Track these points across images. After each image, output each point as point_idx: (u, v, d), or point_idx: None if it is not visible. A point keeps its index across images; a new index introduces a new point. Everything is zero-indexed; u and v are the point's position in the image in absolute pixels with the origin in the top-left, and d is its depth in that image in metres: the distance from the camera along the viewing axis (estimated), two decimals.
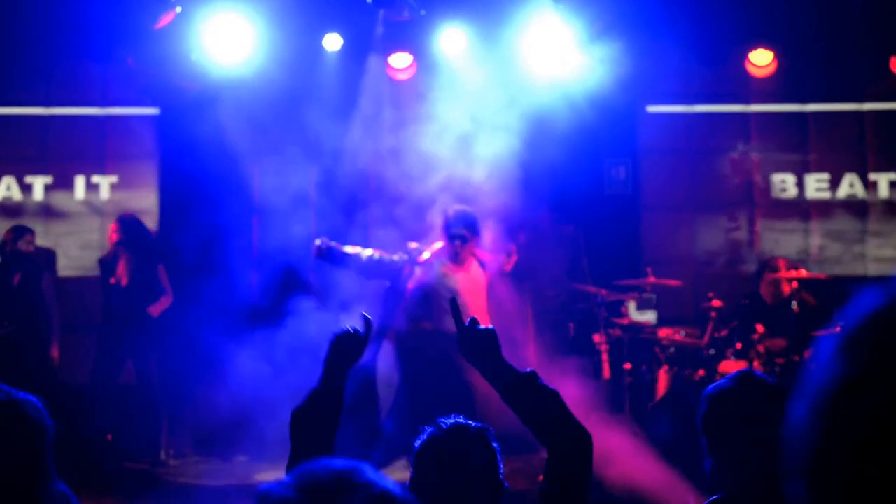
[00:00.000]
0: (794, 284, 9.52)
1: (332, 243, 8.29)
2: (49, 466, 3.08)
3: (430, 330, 8.37)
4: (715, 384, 3.12)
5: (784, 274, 9.65)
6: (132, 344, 9.73)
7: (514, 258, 8.94)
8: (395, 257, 8.40)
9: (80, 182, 11.09)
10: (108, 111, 11.04)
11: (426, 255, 8.49)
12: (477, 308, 8.45)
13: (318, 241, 8.28)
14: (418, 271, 8.42)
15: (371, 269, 8.37)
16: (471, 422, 3.28)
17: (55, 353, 9.77)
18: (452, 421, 3.27)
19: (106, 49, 10.22)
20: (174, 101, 10.55)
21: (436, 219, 8.56)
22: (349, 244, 8.45)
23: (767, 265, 9.96)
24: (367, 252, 8.36)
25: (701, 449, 3.11)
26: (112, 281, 9.69)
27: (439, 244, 8.56)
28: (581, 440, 3.10)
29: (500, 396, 3.38)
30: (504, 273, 8.96)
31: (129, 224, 9.78)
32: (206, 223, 10.25)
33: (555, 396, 3.28)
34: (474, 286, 8.48)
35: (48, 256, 10.58)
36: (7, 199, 11.07)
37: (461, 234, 8.38)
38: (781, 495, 2.75)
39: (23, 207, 11.03)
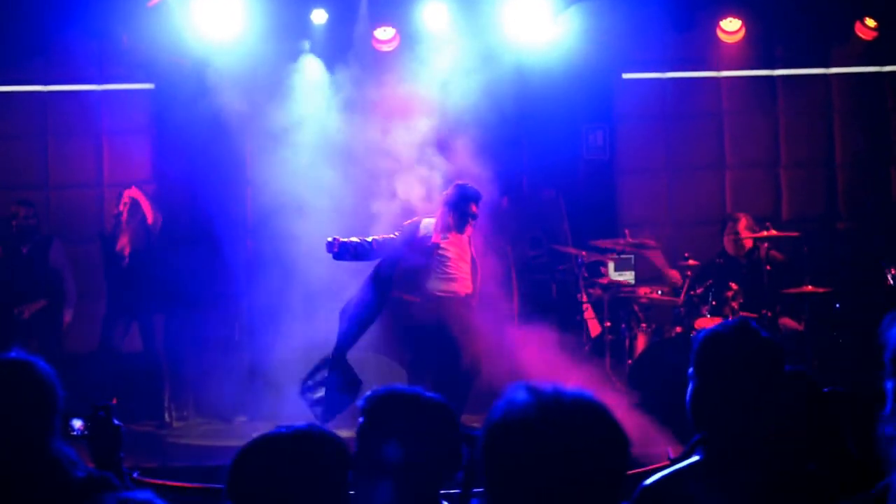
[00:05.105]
0: (752, 240, 10.04)
1: (343, 239, 8.69)
2: (56, 426, 3.39)
3: (426, 295, 8.78)
4: (712, 327, 3.34)
5: (744, 227, 10.14)
6: (137, 311, 10.14)
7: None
8: (392, 236, 8.85)
9: (81, 154, 11.43)
10: (105, 87, 11.33)
11: (424, 227, 8.87)
12: (463, 274, 8.91)
13: (330, 238, 8.68)
14: (415, 244, 8.81)
15: (379, 253, 8.80)
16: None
17: (67, 318, 10.20)
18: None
19: (102, 27, 10.46)
20: (168, 76, 10.84)
21: (446, 190, 8.92)
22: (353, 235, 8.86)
23: (728, 219, 10.42)
24: (369, 238, 8.80)
25: (683, 397, 3.41)
26: (117, 249, 10.07)
27: (430, 218, 8.93)
28: None
29: None
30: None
31: (133, 196, 10.13)
32: (201, 194, 10.57)
33: None
34: (463, 254, 8.90)
35: (58, 226, 10.93)
36: None
37: (476, 213, 8.79)
38: (761, 438, 3.11)
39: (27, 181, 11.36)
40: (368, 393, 3.24)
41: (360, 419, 3.16)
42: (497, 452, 2.05)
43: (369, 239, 8.82)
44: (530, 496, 2.01)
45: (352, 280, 9.06)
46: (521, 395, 2.06)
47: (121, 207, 10.09)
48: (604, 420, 2.08)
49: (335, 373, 8.79)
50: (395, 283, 8.81)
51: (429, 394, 3.25)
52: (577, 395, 2.07)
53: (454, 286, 8.81)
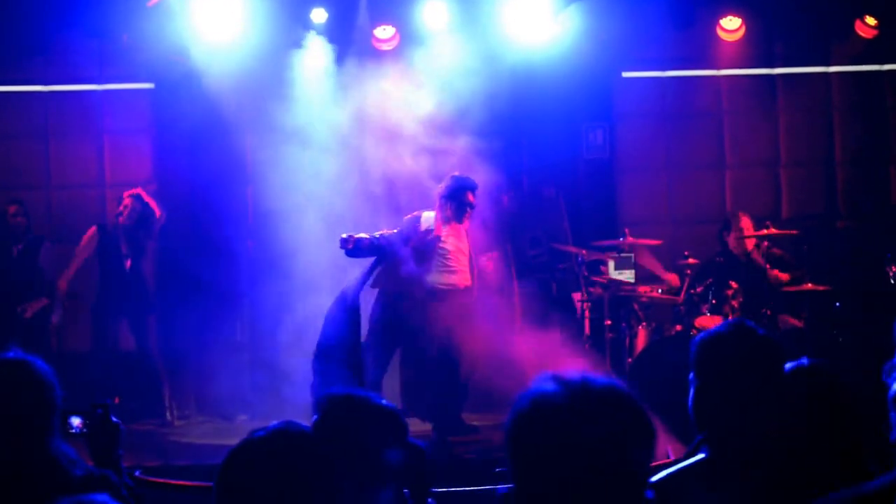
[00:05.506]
0: (756, 240, 10.08)
1: (357, 236, 8.71)
2: (55, 425, 3.41)
3: (427, 289, 8.81)
4: (708, 330, 3.38)
5: (747, 226, 10.17)
6: (129, 310, 10.14)
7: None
8: (395, 231, 8.89)
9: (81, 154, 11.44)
10: (106, 87, 11.34)
11: (425, 220, 8.91)
12: (462, 266, 8.94)
13: (344, 235, 8.71)
14: (417, 238, 8.85)
15: (386, 248, 8.82)
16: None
17: (55, 319, 10.20)
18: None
19: (102, 27, 10.46)
20: (168, 76, 10.85)
21: (442, 183, 8.95)
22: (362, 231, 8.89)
23: (730, 220, 10.44)
24: (376, 234, 8.83)
25: (683, 394, 3.43)
26: (112, 248, 10.08)
27: (430, 212, 8.96)
28: None
29: None
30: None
31: (136, 197, 10.15)
32: (202, 193, 10.58)
33: None
34: (462, 246, 8.93)
35: (59, 227, 10.96)
36: None
37: (473, 203, 8.83)
38: (763, 435, 3.12)
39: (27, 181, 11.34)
40: (326, 392, 3.27)
41: (314, 417, 3.18)
42: (525, 442, 2.08)
43: (376, 234, 8.84)
44: (557, 485, 2.04)
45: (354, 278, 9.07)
46: (550, 385, 2.09)
47: (120, 209, 10.09)
48: (633, 410, 2.11)
49: (331, 365, 8.77)
50: (395, 276, 8.82)
51: (382, 401, 3.28)
52: (606, 384, 2.10)
53: (454, 279, 8.87)
